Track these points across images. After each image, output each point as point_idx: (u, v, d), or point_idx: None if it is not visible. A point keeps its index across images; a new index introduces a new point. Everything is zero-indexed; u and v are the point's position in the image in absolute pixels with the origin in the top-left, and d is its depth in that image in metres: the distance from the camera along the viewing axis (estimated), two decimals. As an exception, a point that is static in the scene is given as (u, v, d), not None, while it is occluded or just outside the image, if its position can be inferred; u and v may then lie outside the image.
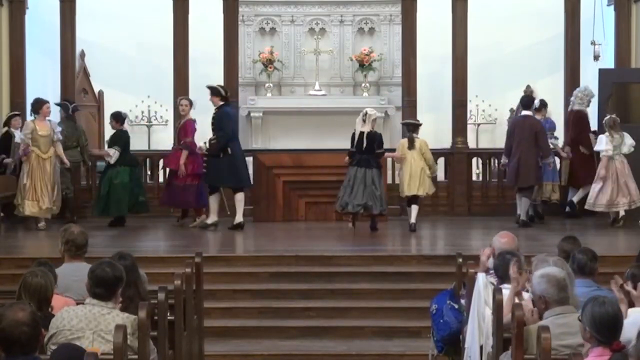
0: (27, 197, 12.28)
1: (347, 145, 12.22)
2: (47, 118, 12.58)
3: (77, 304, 5.56)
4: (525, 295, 5.86)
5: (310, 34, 17.37)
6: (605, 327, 4.49)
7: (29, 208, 12.29)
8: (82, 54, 16.20)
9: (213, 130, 12.32)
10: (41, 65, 14.82)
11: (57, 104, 13.58)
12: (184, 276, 6.62)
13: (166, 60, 14.41)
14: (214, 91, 12.46)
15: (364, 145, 11.85)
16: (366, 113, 12.03)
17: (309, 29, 17.43)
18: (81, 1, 14.23)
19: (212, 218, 12.34)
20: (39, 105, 12.48)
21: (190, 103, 13.02)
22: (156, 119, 17.08)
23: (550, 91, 14.58)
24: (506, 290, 5.90)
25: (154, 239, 12.04)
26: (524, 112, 12.90)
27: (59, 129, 12.71)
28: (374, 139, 11.93)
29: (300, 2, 17.38)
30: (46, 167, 12.33)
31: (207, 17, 14.87)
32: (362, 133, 11.91)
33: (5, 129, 13.07)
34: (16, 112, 13.18)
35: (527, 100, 13.06)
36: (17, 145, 12.62)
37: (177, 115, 13.47)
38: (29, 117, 12.93)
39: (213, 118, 12.37)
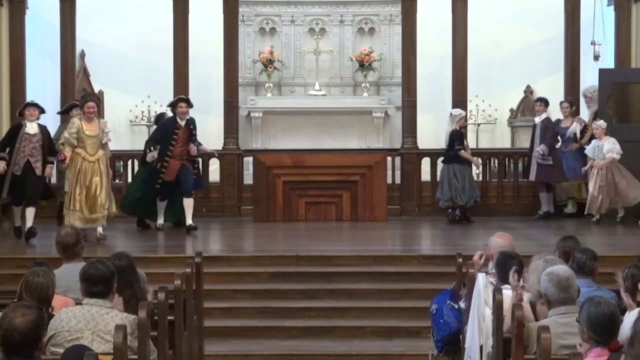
0: (69, 207, 11.03)
1: (346, 145, 12.29)
2: (96, 117, 11.25)
3: (77, 304, 5.56)
4: (525, 297, 5.86)
5: (310, 34, 17.38)
6: (601, 328, 4.49)
7: (72, 220, 10.89)
8: (82, 54, 16.20)
9: (194, 139, 12.29)
10: (41, 65, 14.82)
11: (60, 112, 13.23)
12: (184, 276, 6.62)
13: (166, 60, 14.41)
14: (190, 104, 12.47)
15: (447, 143, 13.08)
16: (450, 114, 13.12)
17: (309, 29, 17.44)
18: (81, 1, 14.24)
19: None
20: (82, 103, 11.31)
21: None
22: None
23: (550, 91, 14.58)
24: (507, 290, 5.90)
25: (154, 239, 12.03)
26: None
27: (109, 129, 11.55)
28: (451, 136, 12.99)
29: (300, 2, 17.39)
30: (91, 171, 11.01)
31: (207, 17, 14.87)
32: (446, 132, 13.15)
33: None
34: (31, 102, 11.47)
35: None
36: (29, 138, 11.06)
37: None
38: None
39: (192, 127, 12.26)
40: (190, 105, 12.35)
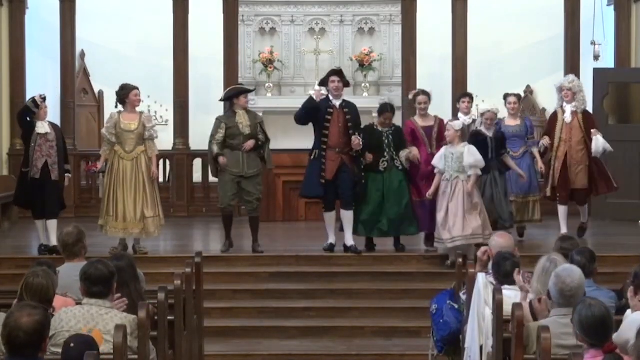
0: (107, 213, 9.86)
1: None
2: (139, 109, 10.23)
3: (77, 304, 5.56)
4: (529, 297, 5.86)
5: (310, 34, 17.38)
6: (593, 330, 4.48)
7: (111, 228, 9.90)
8: (82, 54, 16.20)
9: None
10: (41, 65, 14.82)
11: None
12: (184, 276, 6.63)
13: (166, 60, 14.42)
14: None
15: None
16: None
17: (309, 29, 17.43)
18: (81, 1, 14.24)
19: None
20: (126, 92, 9.99)
21: None
22: (156, 119, 17.01)
23: (550, 91, 14.56)
24: (506, 290, 5.90)
25: (154, 239, 12.00)
26: None
27: (153, 123, 10.23)
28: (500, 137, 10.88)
29: (300, 2, 17.38)
30: (127, 170, 9.85)
31: (207, 17, 14.87)
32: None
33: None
34: (42, 97, 10.01)
35: None
36: (44, 137, 9.89)
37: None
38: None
39: (347, 110, 10.06)
40: (345, 83, 10.17)
